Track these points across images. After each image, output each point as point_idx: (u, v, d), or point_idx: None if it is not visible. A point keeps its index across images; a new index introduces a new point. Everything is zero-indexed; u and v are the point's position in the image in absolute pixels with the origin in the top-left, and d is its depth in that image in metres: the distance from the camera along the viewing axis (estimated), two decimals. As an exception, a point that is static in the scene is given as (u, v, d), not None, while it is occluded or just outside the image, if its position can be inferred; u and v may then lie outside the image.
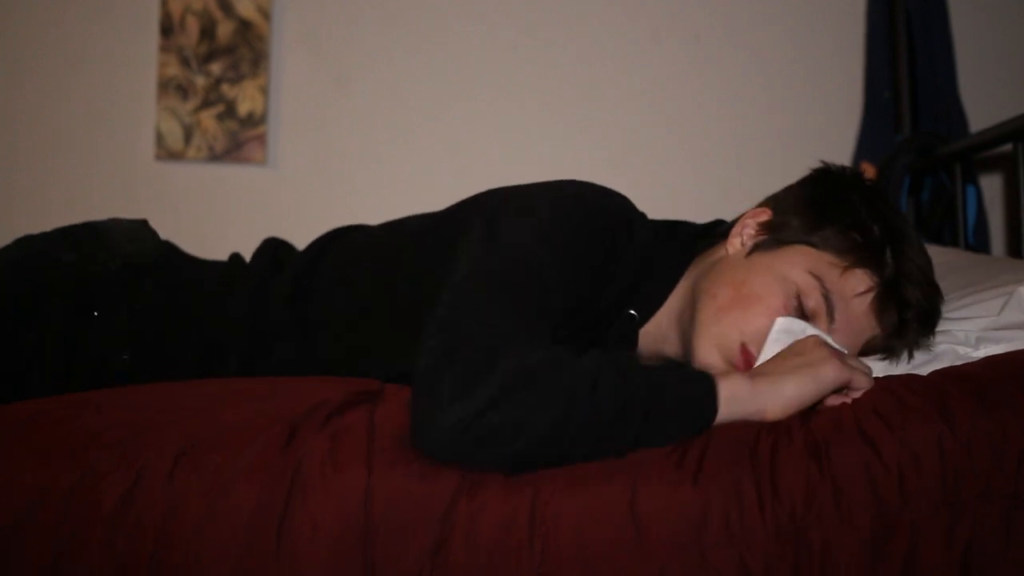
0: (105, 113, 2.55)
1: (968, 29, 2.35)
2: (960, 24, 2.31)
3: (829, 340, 1.13)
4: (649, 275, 1.27)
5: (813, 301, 1.19)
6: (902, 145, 2.16)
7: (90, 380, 1.25)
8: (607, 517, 0.95)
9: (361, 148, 2.54)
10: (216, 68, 2.49)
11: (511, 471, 0.97)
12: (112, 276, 1.31)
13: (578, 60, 2.52)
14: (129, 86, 2.54)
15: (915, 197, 2.20)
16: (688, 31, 2.50)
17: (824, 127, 2.45)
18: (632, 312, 1.27)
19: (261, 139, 2.50)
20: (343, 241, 1.38)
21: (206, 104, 2.49)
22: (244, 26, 2.49)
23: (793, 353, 1.09)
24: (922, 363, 1.21)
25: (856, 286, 1.20)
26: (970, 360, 1.17)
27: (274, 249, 1.41)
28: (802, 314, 1.18)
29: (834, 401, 1.07)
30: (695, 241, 1.32)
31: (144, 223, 1.42)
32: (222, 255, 1.44)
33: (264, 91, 2.49)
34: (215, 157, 2.50)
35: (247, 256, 1.41)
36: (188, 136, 2.50)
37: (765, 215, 1.27)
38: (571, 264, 1.14)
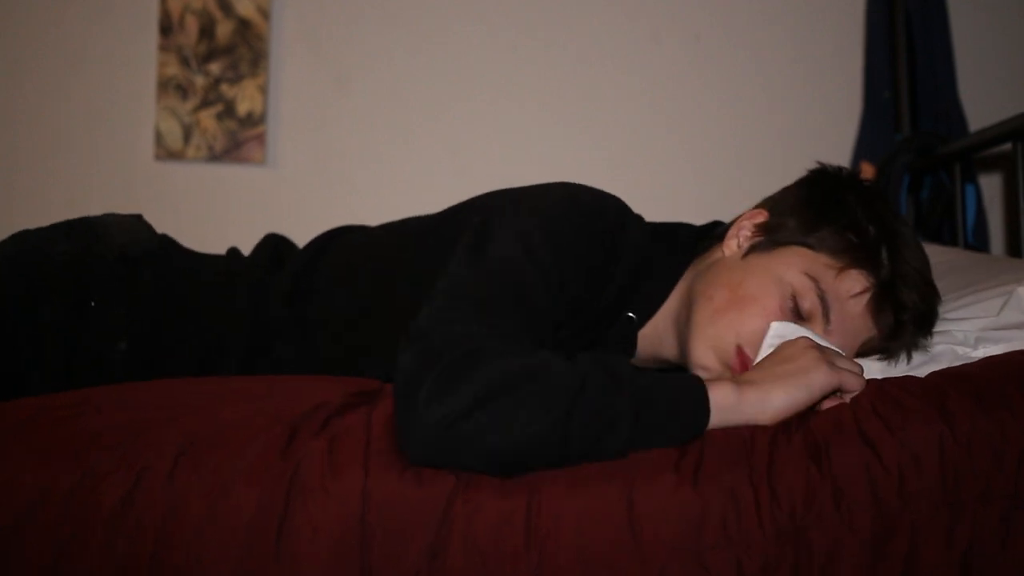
0: (105, 113, 2.55)
1: (968, 29, 2.35)
2: (960, 24, 2.31)
3: (821, 341, 1.12)
4: (647, 276, 1.27)
5: (809, 303, 1.18)
6: (902, 145, 2.17)
7: (88, 371, 1.25)
8: (605, 518, 0.95)
9: (361, 148, 2.54)
10: (215, 68, 2.49)
11: (497, 473, 0.97)
12: (108, 267, 1.31)
13: (578, 60, 2.52)
14: (128, 86, 2.54)
15: (914, 196, 2.20)
16: (688, 31, 2.50)
17: (824, 127, 2.45)
18: (630, 315, 1.27)
19: (260, 139, 2.50)
20: (341, 241, 1.38)
21: (205, 104, 2.49)
22: (243, 25, 2.49)
23: (782, 358, 1.08)
24: (921, 363, 1.21)
25: (852, 287, 1.19)
26: (969, 360, 1.17)
27: (274, 245, 1.41)
28: (798, 315, 1.18)
29: (829, 404, 1.06)
30: (693, 243, 1.32)
31: (139, 217, 1.42)
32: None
33: (263, 91, 2.49)
34: (214, 157, 2.50)
35: (246, 253, 1.42)
36: (187, 136, 2.50)
37: (761, 216, 1.27)
38: (565, 267, 1.14)
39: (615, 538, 0.94)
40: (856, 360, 1.14)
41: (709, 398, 1.01)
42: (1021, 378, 1.03)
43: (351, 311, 1.29)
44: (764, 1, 2.50)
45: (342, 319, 1.29)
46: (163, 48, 2.50)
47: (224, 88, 2.49)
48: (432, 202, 1.49)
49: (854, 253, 1.20)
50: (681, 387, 1.02)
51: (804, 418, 1.04)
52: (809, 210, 1.24)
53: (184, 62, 2.50)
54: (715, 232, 1.32)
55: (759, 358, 1.13)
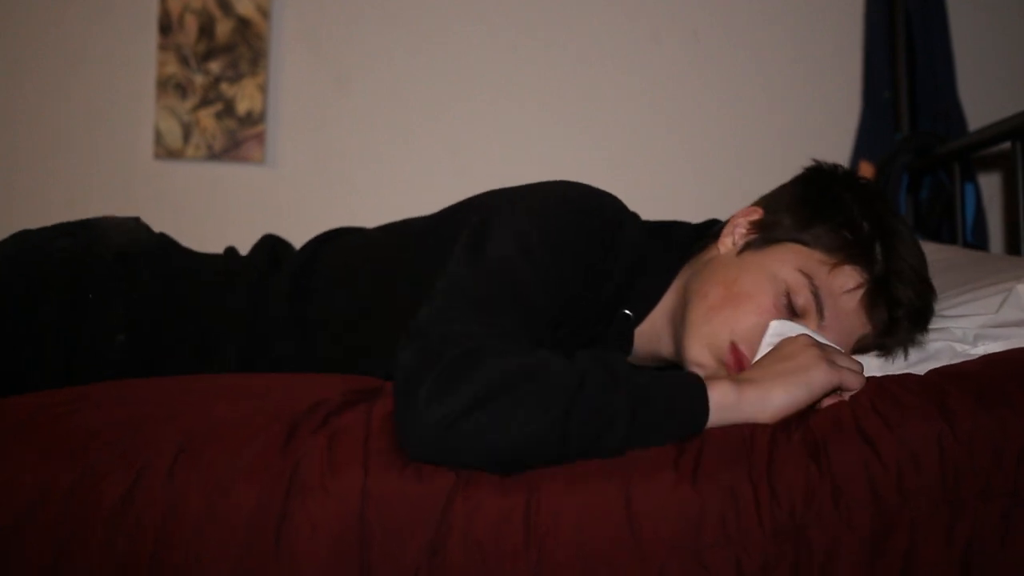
0: (104, 112, 2.55)
1: (967, 29, 2.35)
2: (959, 24, 2.31)
3: (820, 339, 1.12)
4: (643, 274, 1.27)
5: (803, 299, 1.19)
6: (901, 144, 2.17)
7: (86, 364, 1.26)
8: (604, 516, 0.95)
9: (360, 147, 2.54)
10: (215, 67, 2.49)
11: (496, 471, 0.97)
12: (106, 264, 1.31)
13: (578, 60, 2.52)
14: (128, 85, 2.54)
15: (914, 196, 2.20)
16: (688, 31, 2.50)
17: (823, 126, 2.45)
18: (627, 312, 1.27)
19: (260, 138, 2.49)
20: (338, 243, 1.39)
21: (205, 103, 2.49)
22: (243, 24, 2.49)
23: (782, 356, 1.08)
24: (920, 361, 1.21)
25: (845, 283, 1.19)
26: (968, 357, 1.17)
27: (272, 246, 1.41)
28: (792, 312, 1.18)
29: (828, 402, 1.06)
30: (689, 241, 1.32)
31: (137, 219, 1.43)
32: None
33: (263, 90, 2.49)
34: (214, 156, 2.50)
35: (244, 253, 1.42)
36: (187, 135, 2.50)
37: (756, 214, 1.27)
38: (562, 266, 1.14)
39: (614, 536, 0.94)
40: (856, 358, 1.14)
41: (708, 396, 1.01)
42: (1021, 376, 1.03)
43: (351, 311, 1.29)
44: (764, 1, 2.50)
45: (342, 319, 1.29)
46: (162, 47, 2.50)
47: (224, 87, 2.49)
48: (432, 202, 1.49)
49: (848, 249, 1.20)
50: (680, 385, 1.02)
51: (803, 416, 1.04)
52: (804, 207, 1.24)
53: (183, 61, 2.49)
54: (711, 230, 1.33)
55: (758, 356, 1.13)
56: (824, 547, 0.95)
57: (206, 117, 2.49)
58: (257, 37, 2.49)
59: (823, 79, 2.48)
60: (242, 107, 2.49)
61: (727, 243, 1.27)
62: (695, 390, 1.02)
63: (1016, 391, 1.01)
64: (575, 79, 2.51)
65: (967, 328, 1.23)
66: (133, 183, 2.54)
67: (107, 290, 1.29)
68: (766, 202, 1.29)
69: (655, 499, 0.95)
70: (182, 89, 2.49)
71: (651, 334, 1.29)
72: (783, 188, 1.30)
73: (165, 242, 1.41)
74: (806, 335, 1.11)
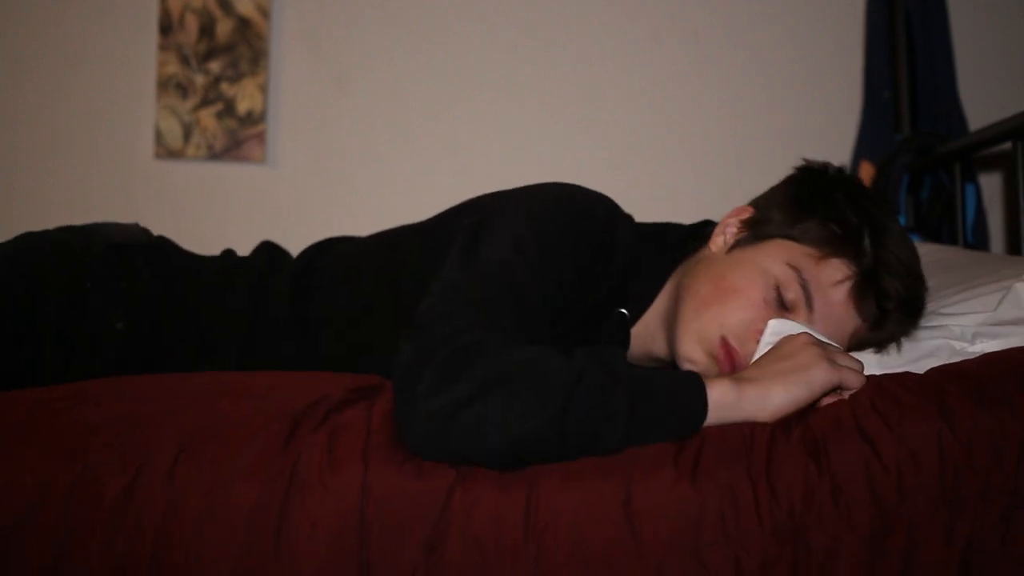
0: (105, 112, 2.55)
1: (967, 28, 2.35)
2: (959, 23, 2.31)
3: (821, 337, 1.13)
4: (637, 275, 1.28)
5: (792, 293, 1.19)
6: (901, 144, 2.17)
7: (85, 355, 1.26)
8: (604, 513, 0.95)
9: (361, 147, 2.54)
10: (215, 66, 2.49)
11: (495, 466, 0.97)
12: (103, 255, 1.32)
13: (578, 60, 2.52)
14: (128, 85, 2.54)
15: (914, 196, 2.20)
16: (688, 31, 2.50)
17: (824, 127, 2.45)
18: (623, 311, 1.27)
19: (260, 137, 2.50)
20: (334, 249, 1.40)
21: (205, 102, 2.49)
22: (243, 24, 2.49)
23: (782, 355, 1.08)
24: (918, 358, 1.22)
25: (833, 275, 1.20)
26: (966, 355, 1.17)
27: (269, 250, 1.42)
28: (782, 306, 1.19)
29: (828, 401, 1.07)
30: (682, 242, 1.33)
31: (136, 224, 1.44)
32: (221, 254, 1.45)
33: (263, 89, 2.49)
34: (214, 155, 2.50)
35: (244, 252, 1.42)
36: (187, 134, 2.50)
37: (747, 213, 1.29)
38: (557, 266, 1.15)
39: (613, 533, 0.94)
40: (855, 356, 1.14)
41: (707, 394, 1.01)
42: (1021, 375, 1.03)
43: (354, 309, 1.30)
44: (764, 1, 2.50)
45: (344, 317, 1.30)
46: (163, 47, 2.50)
47: (224, 87, 2.49)
48: (432, 202, 1.49)
49: (836, 242, 1.21)
50: (678, 382, 1.02)
51: (803, 415, 1.04)
52: (794, 204, 1.25)
53: (184, 61, 2.50)
54: (704, 232, 1.33)
55: (756, 356, 1.14)
56: (823, 546, 0.95)
57: (206, 117, 2.49)
58: (257, 37, 2.49)
59: (823, 79, 2.48)
60: (242, 107, 2.49)
61: (718, 242, 1.28)
62: (694, 387, 1.02)
63: (1015, 390, 1.01)
64: (575, 79, 2.52)
65: (965, 326, 1.24)
66: (133, 183, 2.54)
67: (104, 278, 1.30)
68: (757, 201, 1.31)
69: (654, 497, 0.95)
70: (182, 89, 2.49)
71: (645, 335, 1.30)
72: (774, 188, 1.32)
73: (164, 243, 1.42)
74: (806, 333, 1.11)
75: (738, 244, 1.26)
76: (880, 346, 1.25)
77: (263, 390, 1.10)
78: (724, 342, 1.18)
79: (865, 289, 1.20)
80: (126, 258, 1.33)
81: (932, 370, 1.09)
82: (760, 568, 0.94)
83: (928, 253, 1.29)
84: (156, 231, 1.46)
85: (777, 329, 1.15)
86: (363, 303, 1.30)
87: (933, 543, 0.95)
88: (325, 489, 0.96)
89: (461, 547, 0.94)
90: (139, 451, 1.00)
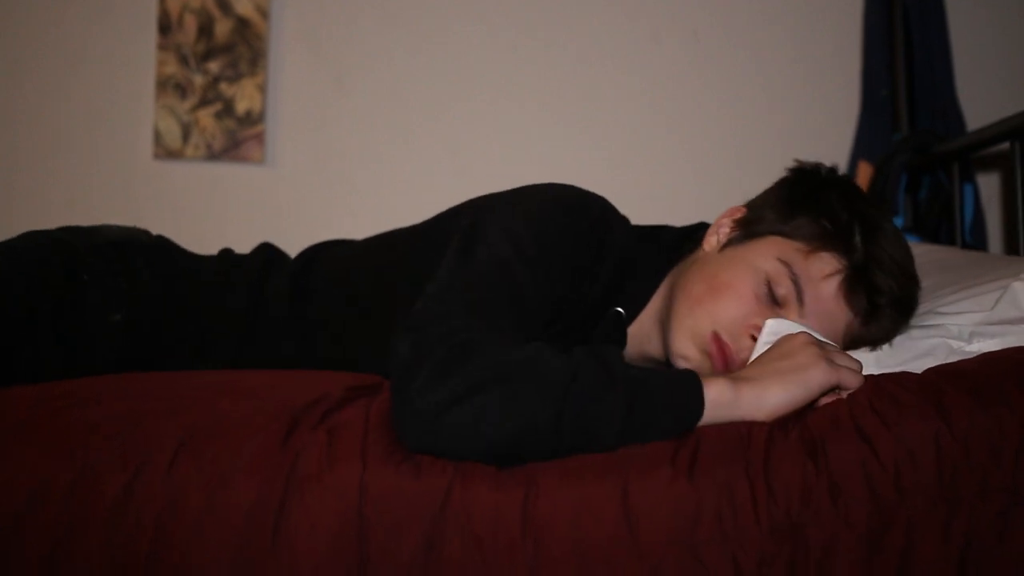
0: (104, 112, 2.56)
1: (965, 27, 2.35)
2: (957, 22, 2.31)
3: (820, 337, 1.13)
4: (633, 276, 1.29)
5: (783, 288, 1.20)
6: (900, 144, 2.16)
7: (83, 347, 1.27)
8: (601, 511, 0.95)
9: (360, 148, 2.54)
10: (214, 66, 2.49)
11: (491, 462, 0.98)
12: (100, 249, 1.33)
13: (578, 60, 2.52)
14: (128, 85, 2.54)
15: (912, 196, 2.20)
16: (687, 31, 2.50)
17: (822, 126, 2.45)
18: (619, 309, 1.28)
19: (259, 138, 2.50)
20: (331, 251, 1.40)
21: (204, 103, 2.49)
22: (242, 24, 2.49)
23: (781, 354, 1.08)
24: (915, 357, 1.22)
25: (823, 268, 1.21)
26: (963, 354, 1.18)
27: (268, 252, 1.42)
28: (773, 301, 1.20)
29: (826, 400, 1.07)
30: (677, 244, 1.34)
31: (136, 227, 1.45)
32: (220, 254, 1.45)
33: (262, 90, 2.49)
34: (213, 156, 2.50)
35: (242, 252, 1.43)
36: (186, 135, 2.50)
37: (740, 213, 1.30)
38: (552, 264, 1.15)
39: (611, 531, 0.94)
40: (853, 355, 1.14)
41: (703, 393, 1.02)
42: (1018, 374, 1.03)
43: (352, 311, 1.30)
44: (764, 1, 2.50)
45: (342, 319, 1.30)
46: (162, 47, 2.50)
47: (223, 87, 2.49)
48: (432, 202, 1.49)
49: (826, 237, 1.22)
50: (675, 381, 1.03)
51: (801, 414, 1.04)
52: (787, 203, 1.26)
53: (183, 61, 2.50)
54: (698, 233, 1.35)
55: (754, 356, 1.14)
56: (821, 544, 0.95)
57: (205, 117, 2.49)
58: (256, 37, 2.49)
59: (823, 79, 2.48)
60: (241, 107, 2.49)
61: (712, 242, 1.29)
62: (691, 386, 1.02)
63: (1013, 389, 1.01)
64: (575, 79, 2.52)
65: (962, 325, 1.24)
66: (133, 183, 2.54)
67: (102, 273, 1.31)
68: (751, 203, 1.32)
69: (652, 495, 0.95)
70: (181, 89, 2.49)
71: (641, 335, 1.30)
72: (768, 189, 1.33)
73: (165, 243, 1.42)
74: (805, 333, 1.11)
75: (730, 243, 1.27)
76: (874, 344, 1.25)
77: (263, 389, 1.11)
78: (716, 337, 1.19)
79: (855, 283, 1.21)
80: (124, 254, 1.34)
81: (930, 370, 1.09)
82: (758, 566, 0.94)
83: (925, 253, 1.29)
84: (155, 231, 1.46)
85: (775, 329, 1.15)
86: (361, 306, 1.30)
87: (931, 541, 0.95)
88: (324, 487, 0.96)
89: (459, 545, 0.94)
90: (139, 449, 1.00)
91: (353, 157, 2.54)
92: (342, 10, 2.53)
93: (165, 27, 2.50)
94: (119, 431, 1.01)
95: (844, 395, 1.06)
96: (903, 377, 1.07)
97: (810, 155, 1.35)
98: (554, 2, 2.53)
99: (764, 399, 1.03)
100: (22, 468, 1.00)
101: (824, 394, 1.06)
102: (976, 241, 2.14)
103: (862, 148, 2.29)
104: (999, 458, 0.97)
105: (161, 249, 1.39)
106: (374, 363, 1.22)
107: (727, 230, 1.29)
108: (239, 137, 2.49)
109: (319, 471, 0.97)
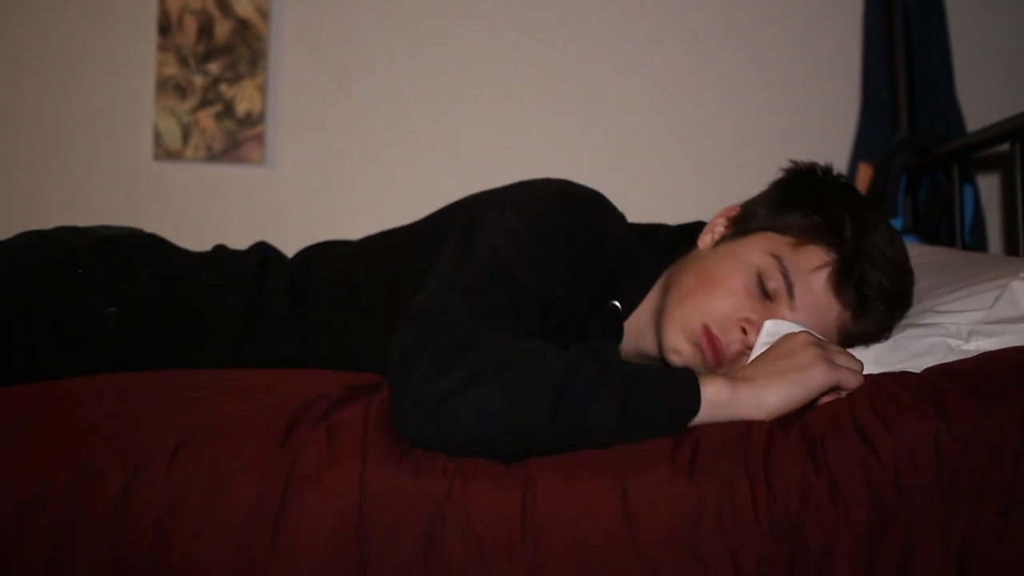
0: (104, 113, 2.56)
1: (966, 28, 2.35)
2: (958, 23, 2.31)
3: (819, 337, 1.13)
4: (629, 273, 1.30)
5: (774, 282, 1.21)
6: (900, 144, 2.16)
7: (80, 343, 1.27)
8: (600, 509, 0.95)
9: (360, 148, 2.54)
10: (214, 67, 2.49)
11: (487, 455, 0.98)
12: (93, 244, 1.34)
13: (578, 60, 2.52)
14: (127, 86, 2.54)
15: (912, 196, 2.20)
16: (688, 31, 2.51)
17: (822, 126, 2.45)
18: (615, 303, 1.29)
19: (259, 139, 2.50)
20: (328, 253, 1.40)
21: (204, 104, 2.49)
22: (242, 25, 2.49)
23: (781, 354, 1.08)
24: (913, 356, 1.22)
25: (811, 260, 1.22)
26: (962, 353, 1.18)
27: (262, 251, 1.42)
28: (764, 295, 1.21)
29: (826, 400, 1.07)
30: (674, 242, 1.35)
31: (134, 228, 1.45)
32: (218, 255, 1.45)
33: (262, 91, 2.49)
34: (213, 157, 2.50)
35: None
36: (186, 136, 2.50)
37: (734, 211, 1.32)
38: (550, 259, 1.16)
39: (610, 529, 0.94)
40: (853, 355, 1.14)
41: (700, 391, 1.02)
42: (1018, 374, 1.03)
43: (352, 311, 1.31)
44: (764, 1, 2.50)
45: (343, 319, 1.30)
46: (162, 48, 2.50)
47: (223, 88, 2.49)
48: (432, 202, 1.49)
49: (816, 230, 1.23)
50: (672, 378, 1.03)
51: (801, 413, 1.04)
52: (780, 200, 1.28)
53: (183, 62, 2.50)
54: (695, 232, 1.35)
55: (753, 356, 1.14)
56: (821, 543, 0.95)
57: (205, 118, 2.49)
58: (256, 38, 2.49)
59: (822, 79, 2.48)
60: (241, 108, 2.49)
61: (706, 239, 1.31)
62: (688, 384, 1.02)
63: (1013, 389, 1.01)
64: (575, 79, 2.52)
65: (961, 324, 1.24)
66: (132, 184, 2.54)
67: (97, 266, 1.31)
68: (745, 201, 1.33)
69: (651, 492, 0.95)
70: (181, 90, 2.49)
71: (636, 331, 1.31)
72: (764, 191, 1.33)
73: (160, 242, 1.42)
74: (806, 332, 1.11)
75: (723, 240, 1.28)
76: (868, 340, 1.25)
77: (263, 389, 1.11)
78: (706, 330, 1.19)
79: (844, 276, 1.21)
80: (122, 254, 1.34)
81: (929, 369, 1.09)
82: (757, 565, 0.94)
83: (924, 254, 1.30)
84: (155, 232, 1.46)
85: (773, 330, 1.16)
86: (363, 306, 1.31)
87: (930, 541, 0.95)
88: (324, 486, 0.96)
89: (459, 544, 0.94)
90: (139, 449, 1.00)
91: (353, 158, 2.54)
92: (342, 11, 2.53)
93: (165, 28, 2.50)
94: (119, 431, 1.01)
95: (844, 395, 1.06)
96: (903, 376, 1.07)
97: (810, 156, 1.35)
98: (554, 2, 2.53)
99: (763, 399, 1.03)
100: (23, 468, 1.00)
101: (824, 394, 1.06)
102: (976, 242, 2.14)
103: (862, 149, 2.29)
104: (999, 458, 0.97)
105: (158, 249, 1.39)
106: (375, 363, 1.22)
107: (721, 228, 1.30)
108: (239, 138, 2.49)
109: (319, 470, 0.97)
